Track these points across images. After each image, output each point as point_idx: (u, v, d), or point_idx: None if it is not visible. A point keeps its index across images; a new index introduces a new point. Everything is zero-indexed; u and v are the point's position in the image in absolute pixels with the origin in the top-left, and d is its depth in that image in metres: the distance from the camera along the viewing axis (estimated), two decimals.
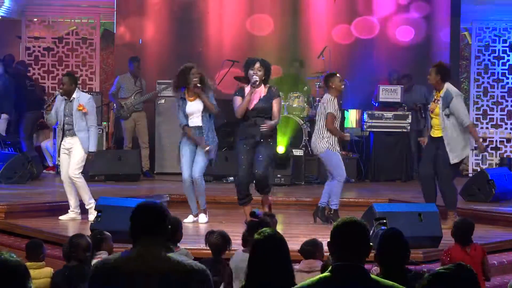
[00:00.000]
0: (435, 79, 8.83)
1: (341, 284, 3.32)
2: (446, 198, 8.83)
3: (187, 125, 8.96)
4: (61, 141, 9.10)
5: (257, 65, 8.60)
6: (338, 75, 9.17)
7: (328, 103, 8.93)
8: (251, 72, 8.59)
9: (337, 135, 8.98)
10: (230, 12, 14.19)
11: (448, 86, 8.80)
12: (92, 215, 8.73)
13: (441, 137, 8.78)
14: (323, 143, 8.90)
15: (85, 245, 5.85)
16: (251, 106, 8.61)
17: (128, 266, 3.42)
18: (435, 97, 8.90)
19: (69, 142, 9.06)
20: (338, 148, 9.00)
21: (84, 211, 9.11)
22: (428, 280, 3.05)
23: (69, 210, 9.12)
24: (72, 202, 9.11)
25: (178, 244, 6.27)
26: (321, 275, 3.42)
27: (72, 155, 9.05)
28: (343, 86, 9.25)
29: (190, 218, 9.03)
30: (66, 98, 9.06)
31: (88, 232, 6.78)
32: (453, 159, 8.72)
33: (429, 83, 9.11)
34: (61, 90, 9.09)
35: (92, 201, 8.93)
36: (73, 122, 9.00)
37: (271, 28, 14.00)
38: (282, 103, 10.89)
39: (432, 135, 8.95)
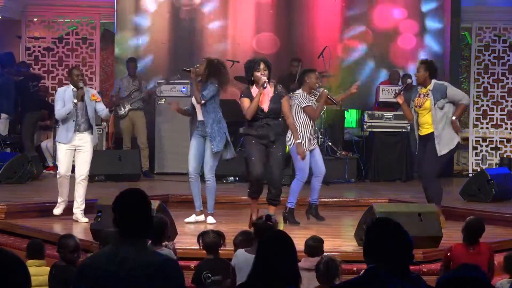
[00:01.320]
0: (423, 76, 8.75)
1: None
2: (429, 193, 8.68)
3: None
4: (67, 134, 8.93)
5: (262, 65, 8.50)
6: (316, 72, 9.09)
7: (299, 99, 8.84)
8: (257, 74, 8.49)
9: (321, 107, 8.89)
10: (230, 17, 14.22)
11: (434, 81, 8.74)
12: (84, 218, 8.83)
13: (430, 134, 8.68)
14: (293, 138, 8.81)
15: (72, 246, 5.84)
16: (266, 109, 8.51)
17: (107, 267, 3.37)
18: (420, 93, 8.81)
19: (79, 138, 8.93)
20: (312, 147, 8.91)
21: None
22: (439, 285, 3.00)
23: (59, 203, 9.09)
24: (64, 195, 9.04)
25: (168, 242, 6.24)
26: (360, 277, 3.38)
27: (82, 154, 8.95)
28: (317, 85, 9.13)
29: (192, 217, 8.87)
30: (76, 90, 8.91)
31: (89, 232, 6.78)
32: (441, 151, 8.61)
33: (417, 79, 8.94)
34: (82, 81, 8.91)
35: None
36: (88, 115, 8.91)
37: (276, 44, 14.01)
38: None
39: (421, 134, 8.82)
